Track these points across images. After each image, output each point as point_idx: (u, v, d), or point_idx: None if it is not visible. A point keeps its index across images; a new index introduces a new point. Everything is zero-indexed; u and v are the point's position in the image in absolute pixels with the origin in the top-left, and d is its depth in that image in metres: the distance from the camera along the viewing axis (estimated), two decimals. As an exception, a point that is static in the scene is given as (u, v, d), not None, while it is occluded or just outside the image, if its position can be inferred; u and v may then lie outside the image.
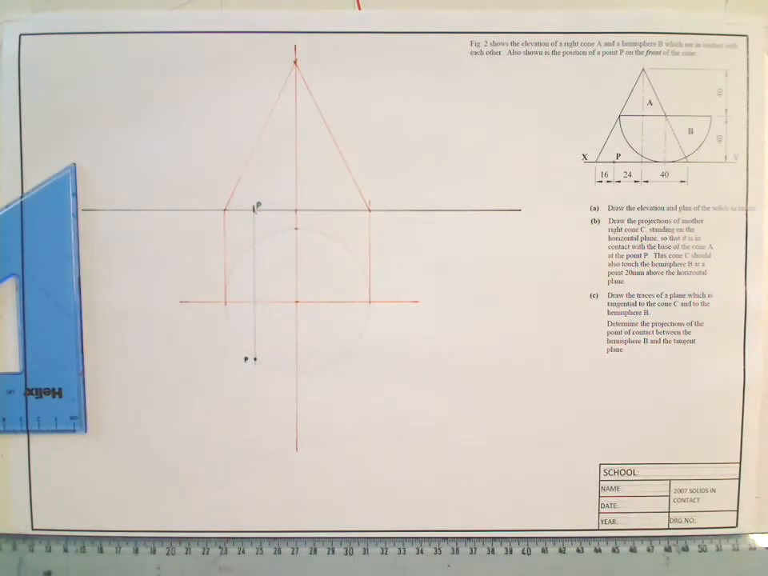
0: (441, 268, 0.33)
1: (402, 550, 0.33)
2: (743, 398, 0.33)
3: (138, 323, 0.33)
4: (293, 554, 0.34)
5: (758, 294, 0.33)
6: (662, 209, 0.33)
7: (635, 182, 0.33)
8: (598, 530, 0.34)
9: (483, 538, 0.34)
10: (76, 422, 0.32)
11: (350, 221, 0.33)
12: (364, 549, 0.34)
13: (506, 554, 0.34)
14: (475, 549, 0.34)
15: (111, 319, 0.33)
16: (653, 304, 0.33)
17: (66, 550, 0.33)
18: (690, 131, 0.33)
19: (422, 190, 0.33)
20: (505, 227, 0.33)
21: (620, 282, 0.33)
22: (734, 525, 0.34)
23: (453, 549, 0.34)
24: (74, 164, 0.32)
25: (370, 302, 0.33)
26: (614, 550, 0.34)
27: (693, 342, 0.33)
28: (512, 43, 0.32)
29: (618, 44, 0.32)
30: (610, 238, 0.33)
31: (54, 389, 0.32)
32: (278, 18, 0.32)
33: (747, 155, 0.33)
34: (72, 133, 0.32)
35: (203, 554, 0.34)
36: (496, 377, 0.33)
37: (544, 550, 0.34)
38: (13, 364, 0.33)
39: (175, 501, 0.33)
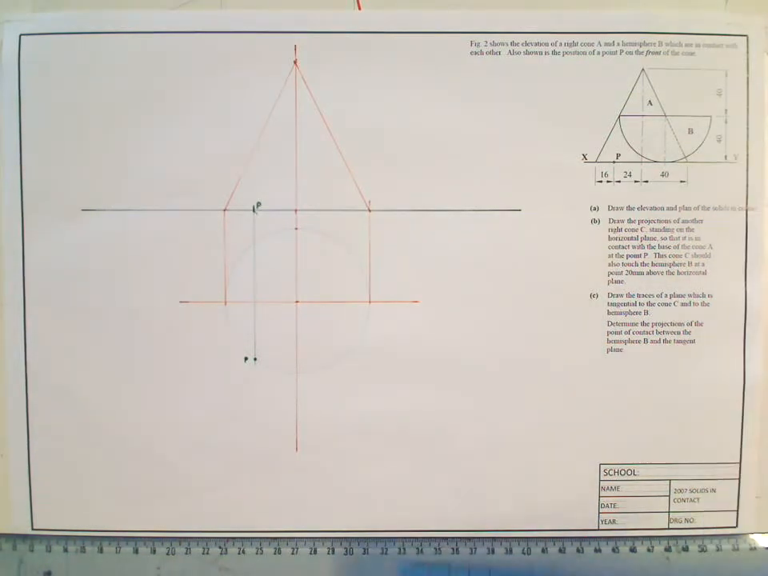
0: (441, 268, 0.33)
1: (402, 550, 0.33)
2: (743, 398, 0.33)
3: (138, 323, 0.33)
4: (293, 553, 0.34)
5: (758, 294, 0.33)
6: (662, 209, 0.33)
7: (635, 182, 0.33)
8: (598, 529, 0.34)
9: (483, 538, 0.34)
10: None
11: (350, 221, 0.33)
12: (364, 549, 0.34)
13: (506, 553, 0.34)
14: (475, 549, 0.34)
15: (111, 319, 0.33)
16: (653, 304, 0.33)
17: (66, 550, 0.33)
18: (690, 131, 0.33)
19: (422, 189, 0.33)
20: (505, 227, 0.33)
21: (620, 281, 0.33)
22: (734, 525, 0.34)
23: (453, 549, 0.34)
24: None
25: (369, 301, 0.33)
26: (614, 550, 0.34)
27: (693, 342, 0.33)
28: (512, 43, 0.32)
29: (618, 44, 0.32)
30: (609, 238, 0.33)
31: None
32: (278, 18, 0.32)
33: (747, 155, 0.33)
34: (72, 133, 0.32)
35: (203, 553, 0.34)
36: (496, 376, 0.33)
37: (544, 550, 0.34)
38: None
39: (175, 501, 0.33)
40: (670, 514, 0.34)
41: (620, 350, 0.33)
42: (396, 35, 0.32)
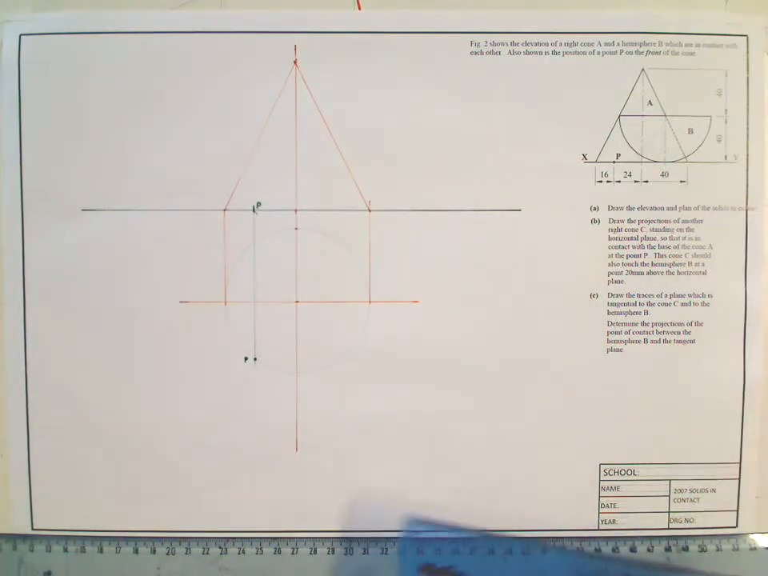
0: (441, 268, 0.33)
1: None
2: (743, 398, 0.33)
3: (138, 323, 0.33)
4: (293, 553, 0.34)
5: (758, 294, 0.33)
6: (662, 209, 0.33)
7: (635, 182, 0.33)
8: (598, 529, 0.34)
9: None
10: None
11: (350, 221, 0.33)
12: (364, 549, 0.34)
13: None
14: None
15: (111, 319, 0.33)
16: (653, 304, 0.33)
17: (66, 550, 0.33)
18: (690, 131, 0.33)
19: (422, 189, 0.33)
20: (505, 227, 0.33)
21: (620, 281, 0.33)
22: (734, 525, 0.34)
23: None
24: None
25: (369, 302, 0.33)
26: (614, 550, 0.34)
27: (693, 342, 0.33)
28: (512, 43, 0.32)
29: (618, 44, 0.32)
30: (609, 238, 0.33)
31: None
32: (278, 18, 0.32)
33: (747, 155, 0.33)
34: (72, 133, 0.32)
35: (203, 553, 0.34)
36: (496, 377, 0.33)
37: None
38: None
39: (175, 501, 0.33)
40: (670, 514, 0.34)
41: (620, 350, 0.33)
42: (396, 35, 0.32)
